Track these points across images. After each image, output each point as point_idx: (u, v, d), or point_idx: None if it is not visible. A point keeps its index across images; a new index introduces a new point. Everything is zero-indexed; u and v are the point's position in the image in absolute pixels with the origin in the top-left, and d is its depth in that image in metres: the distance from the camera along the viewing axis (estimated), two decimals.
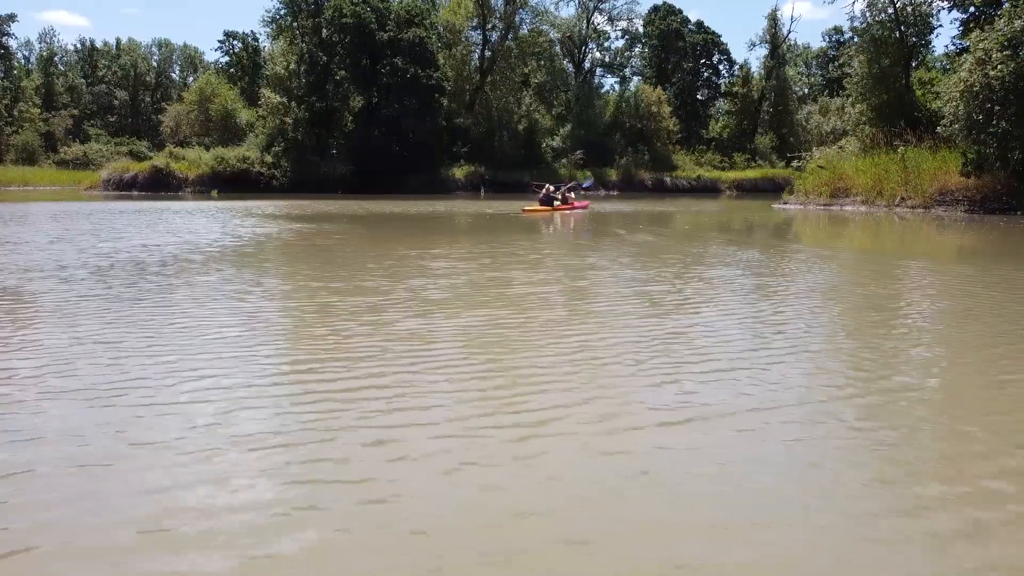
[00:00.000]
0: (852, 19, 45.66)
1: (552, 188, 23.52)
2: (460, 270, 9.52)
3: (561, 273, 9.60)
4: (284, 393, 4.10)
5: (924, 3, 32.08)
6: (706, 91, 70.73)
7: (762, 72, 66.04)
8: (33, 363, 4.56)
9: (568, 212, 22.58)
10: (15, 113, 64.46)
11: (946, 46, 35.83)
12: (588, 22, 62.51)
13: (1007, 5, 22.45)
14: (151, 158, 46.09)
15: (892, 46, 31.56)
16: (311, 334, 5.57)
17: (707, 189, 54.88)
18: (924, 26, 32.87)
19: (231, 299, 7.15)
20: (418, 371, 4.42)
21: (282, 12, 49.32)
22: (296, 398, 3.96)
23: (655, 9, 68.36)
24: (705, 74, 70.53)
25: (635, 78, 69.58)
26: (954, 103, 21.79)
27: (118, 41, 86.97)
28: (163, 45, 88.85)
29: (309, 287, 7.91)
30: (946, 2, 28.66)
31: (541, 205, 22.27)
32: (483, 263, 10.45)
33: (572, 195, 24.14)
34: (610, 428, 3.47)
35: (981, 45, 21.20)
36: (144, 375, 4.29)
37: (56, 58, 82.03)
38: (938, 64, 35.60)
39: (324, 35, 44.88)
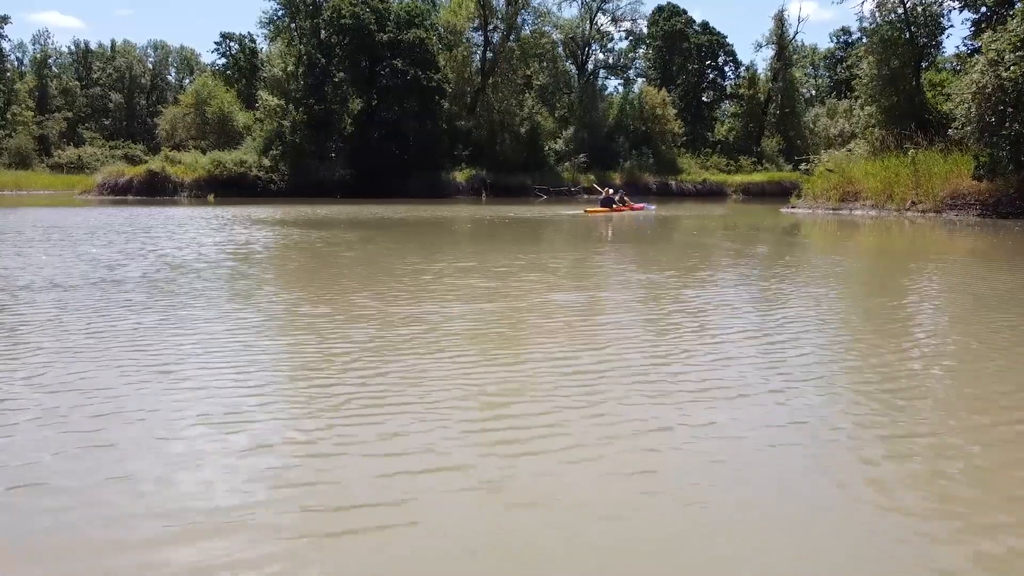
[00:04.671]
0: (861, 19, 45.12)
1: (611, 191, 26.81)
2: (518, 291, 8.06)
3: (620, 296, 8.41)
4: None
5: (934, 3, 31.56)
6: (711, 93, 70.10)
7: (768, 74, 65.29)
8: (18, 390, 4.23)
9: (627, 213, 25.06)
10: (8, 116, 64.21)
11: (957, 47, 35.33)
12: (591, 23, 62.05)
13: (1019, 5, 22.11)
14: (147, 162, 45.45)
15: (902, 47, 31.03)
16: (337, 387, 4.42)
17: (713, 193, 54.14)
18: (935, 27, 32.39)
19: (245, 331, 6.01)
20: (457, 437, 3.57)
21: (280, 13, 48.89)
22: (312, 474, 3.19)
23: (659, 10, 67.86)
24: (710, 76, 69.87)
25: (639, 80, 69.14)
26: (966, 105, 21.44)
27: (113, 43, 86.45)
28: (159, 47, 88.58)
29: (335, 317, 6.45)
30: (957, 2, 28.22)
31: (601, 207, 25.11)
32: (532, 280, 9.02)
33: (628, 198, 26.72)
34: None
35: (993, 46, 20.83)
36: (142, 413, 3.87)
37: (50, 60, 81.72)
38: (949, 65, 34.95)
39: (322, 36, 44.35)
